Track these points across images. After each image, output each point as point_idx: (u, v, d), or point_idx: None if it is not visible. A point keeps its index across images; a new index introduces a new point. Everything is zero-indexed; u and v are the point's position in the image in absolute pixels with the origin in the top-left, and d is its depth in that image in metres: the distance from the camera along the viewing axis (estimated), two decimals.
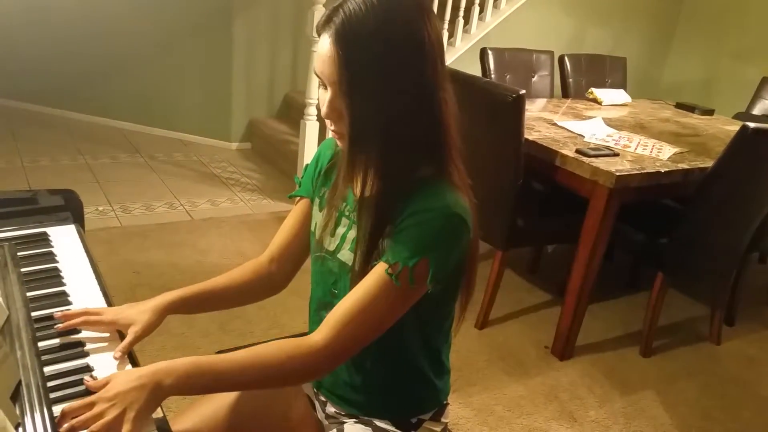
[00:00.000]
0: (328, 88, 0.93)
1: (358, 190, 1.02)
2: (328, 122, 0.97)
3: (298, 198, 1.21)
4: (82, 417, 0.81)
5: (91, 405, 0.82)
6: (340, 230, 1.07)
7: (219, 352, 1.40)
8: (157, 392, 0.85)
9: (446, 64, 0.97)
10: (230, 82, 4.33)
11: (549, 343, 2.53)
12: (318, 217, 1.12)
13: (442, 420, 1.16)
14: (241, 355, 0.93)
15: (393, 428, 1.11)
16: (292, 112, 4.38)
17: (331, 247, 1.08)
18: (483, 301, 2.59)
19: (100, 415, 0.81)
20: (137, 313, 1.05)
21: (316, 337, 0.94)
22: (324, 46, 0.90)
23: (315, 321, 1.14)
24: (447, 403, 1.19)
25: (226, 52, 4.24)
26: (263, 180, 3.98)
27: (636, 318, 2.78)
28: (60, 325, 0.99)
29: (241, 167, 4.15)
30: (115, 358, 0.97)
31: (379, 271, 0.95)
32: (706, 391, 2.39)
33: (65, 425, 0.80)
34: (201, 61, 4.31)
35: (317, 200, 1.14)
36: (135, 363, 0.98)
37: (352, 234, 1.04)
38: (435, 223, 0.94)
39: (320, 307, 1.13)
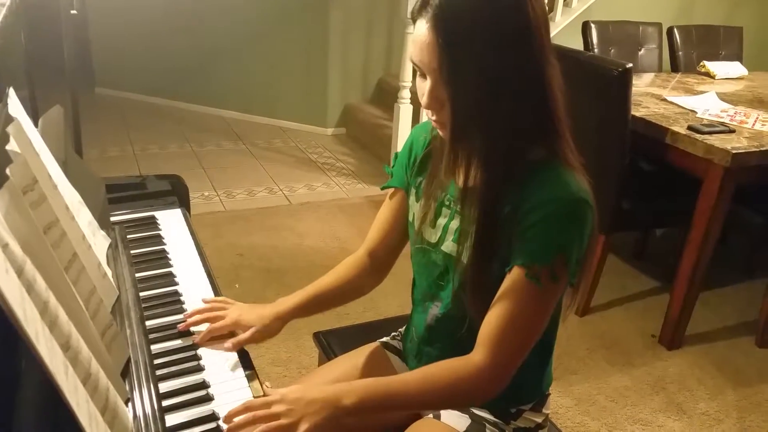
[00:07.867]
0: (427, 77, 0.87)
1: (461, 180, 0.96)
2: (428, 112, 0.91)
3: (392, 189, 1.16)
4: (260, 413, 0.83)
5: (269, 404, 0.84)
6: (441, 221, 1.02)
7: (316, 332, 1.44)
8: (337, 410, 0.85)
9: None
10: (326, 68, 4.38)
11: (656, 331, 2.41)
12: (415, 208, 1.07)
13: (543, 411, 1.12)
14: (413, 378, 0.93)
15: (491, 417, 1.07)
16: (385, 96, 4.38)
17: (433, 239, 1.03)
18: (584, 287, 2.49)
19: (275, 416, 0.83)
20: (258, 318, 1.07)
21: (477, 357, 0.91)
22: (421, 31, 0.84)
23: (420, 311, 1.12)
24: (549, 394, 1.14)
25: (322, 39, 4.30)
26: (358, 164, 4.01)
27: (752, 306, 2.61)
28: (181, 325, 1.01)
29: (337, 152, 4.21)
30: (227, 349, 0.99)
31: (517, 277, 0.90)
32: None
33: (240, 417, 0.82)
34: (298, 49, 4.38)
35: (413, 190, 1.09)
36: (244, 357, 0.99)
37: (455, 224, 0.99)
38: (563, 214, 0.88)
39: (425, 298, 1.09)
